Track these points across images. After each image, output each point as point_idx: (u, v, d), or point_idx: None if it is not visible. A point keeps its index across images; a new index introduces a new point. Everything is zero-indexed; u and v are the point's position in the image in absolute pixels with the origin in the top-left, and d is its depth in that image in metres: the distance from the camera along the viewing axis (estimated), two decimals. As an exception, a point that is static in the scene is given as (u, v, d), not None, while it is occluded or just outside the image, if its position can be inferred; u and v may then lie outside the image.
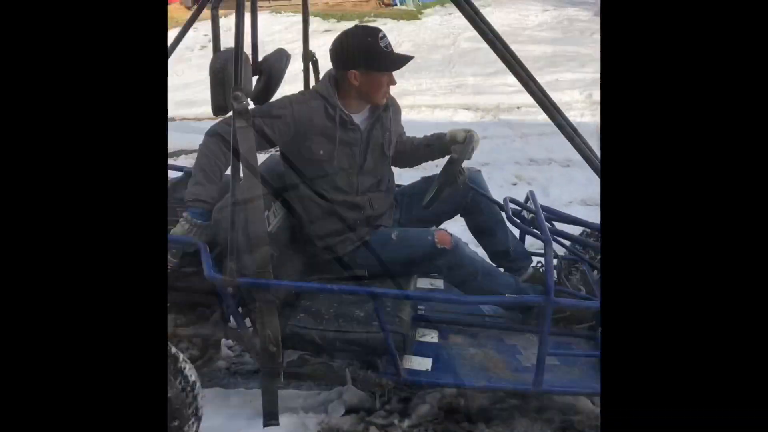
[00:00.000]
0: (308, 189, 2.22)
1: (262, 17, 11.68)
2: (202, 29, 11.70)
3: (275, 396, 1.98)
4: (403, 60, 2.18)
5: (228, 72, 1.91)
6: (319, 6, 13.02)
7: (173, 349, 1.91)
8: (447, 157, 2.36)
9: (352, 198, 2.26)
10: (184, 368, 1.91)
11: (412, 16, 12.27)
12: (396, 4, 13.50)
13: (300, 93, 2.28)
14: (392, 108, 2.34)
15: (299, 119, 2.13)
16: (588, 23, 11.01)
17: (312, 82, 2.62)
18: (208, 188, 2.04)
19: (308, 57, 2.62)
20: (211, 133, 2.06)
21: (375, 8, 13.32)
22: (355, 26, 2.28)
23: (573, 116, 6.42)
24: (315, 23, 11.49)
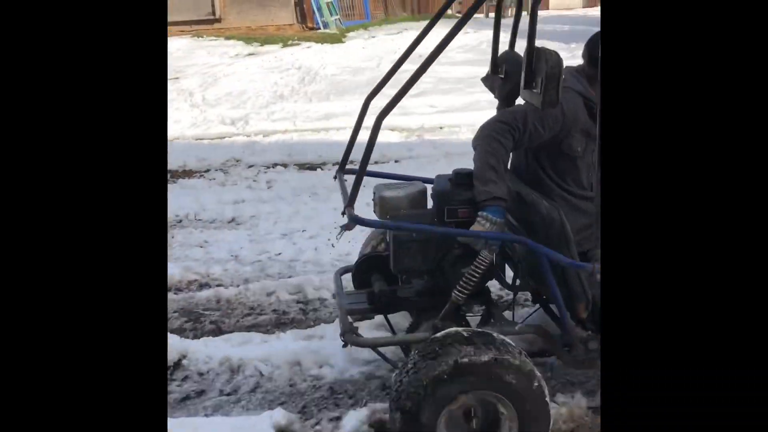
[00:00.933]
0: (555, 185, 2.23)
1: (183, 42, 11.51)
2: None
3: None
4: None
5: (561, 68, 1.90)
6: (242, 30, 12.95)
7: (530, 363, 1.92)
8: None
9: (589, 194, 2.26)
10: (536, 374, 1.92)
11: (335, 39, 12.38)
12: (320, 28, 13.60)
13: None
14: None
15: (568, 114, 2.12)
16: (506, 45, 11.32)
17: None
18: (501, 185, 2.04)
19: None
20: (491, 133, 2.06)
21: (298, 32, 13.38)
22: None
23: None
24: (238, 47, 11.39)
